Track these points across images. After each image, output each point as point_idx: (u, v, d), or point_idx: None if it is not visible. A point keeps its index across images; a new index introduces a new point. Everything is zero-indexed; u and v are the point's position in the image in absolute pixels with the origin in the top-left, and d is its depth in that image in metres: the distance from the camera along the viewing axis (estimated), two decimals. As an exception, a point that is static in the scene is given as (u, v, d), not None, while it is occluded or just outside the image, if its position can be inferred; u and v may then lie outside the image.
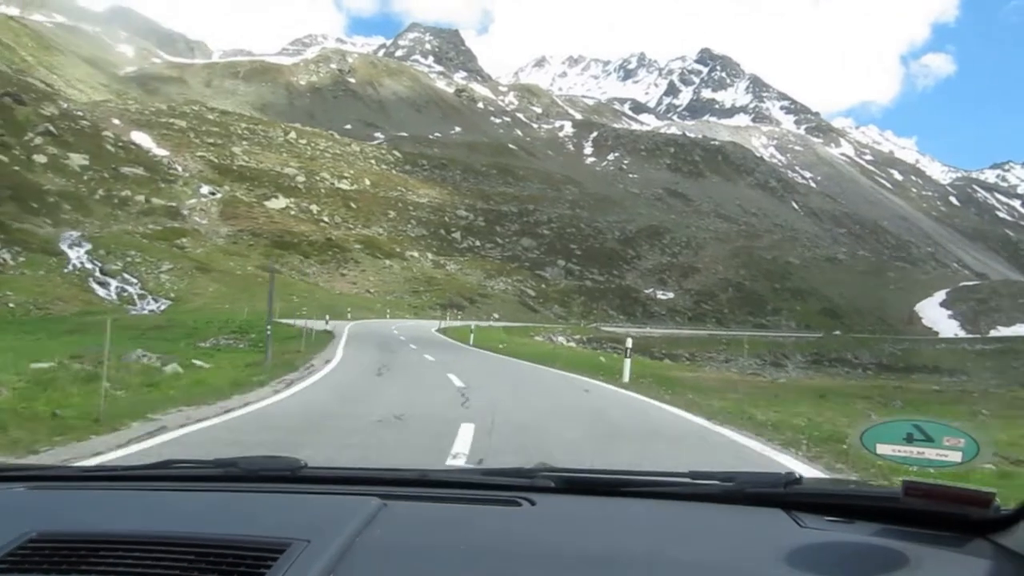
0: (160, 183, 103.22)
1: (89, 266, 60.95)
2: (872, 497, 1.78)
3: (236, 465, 2.08)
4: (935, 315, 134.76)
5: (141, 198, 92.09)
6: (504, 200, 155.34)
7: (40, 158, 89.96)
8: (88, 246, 65.16)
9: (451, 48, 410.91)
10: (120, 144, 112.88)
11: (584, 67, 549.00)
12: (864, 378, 62.64)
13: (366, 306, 71.14)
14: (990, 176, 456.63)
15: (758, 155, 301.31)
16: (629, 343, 19.45)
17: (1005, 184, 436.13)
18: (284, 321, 31.58)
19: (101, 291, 56.07)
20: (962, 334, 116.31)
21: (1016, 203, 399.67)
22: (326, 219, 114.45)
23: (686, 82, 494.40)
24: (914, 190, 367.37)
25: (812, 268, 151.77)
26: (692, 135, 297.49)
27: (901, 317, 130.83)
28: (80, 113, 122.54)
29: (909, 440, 2.18)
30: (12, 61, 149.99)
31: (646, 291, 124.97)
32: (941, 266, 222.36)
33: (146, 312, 49.37)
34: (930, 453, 2.14)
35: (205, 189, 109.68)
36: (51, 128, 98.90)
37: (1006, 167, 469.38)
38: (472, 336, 37.30)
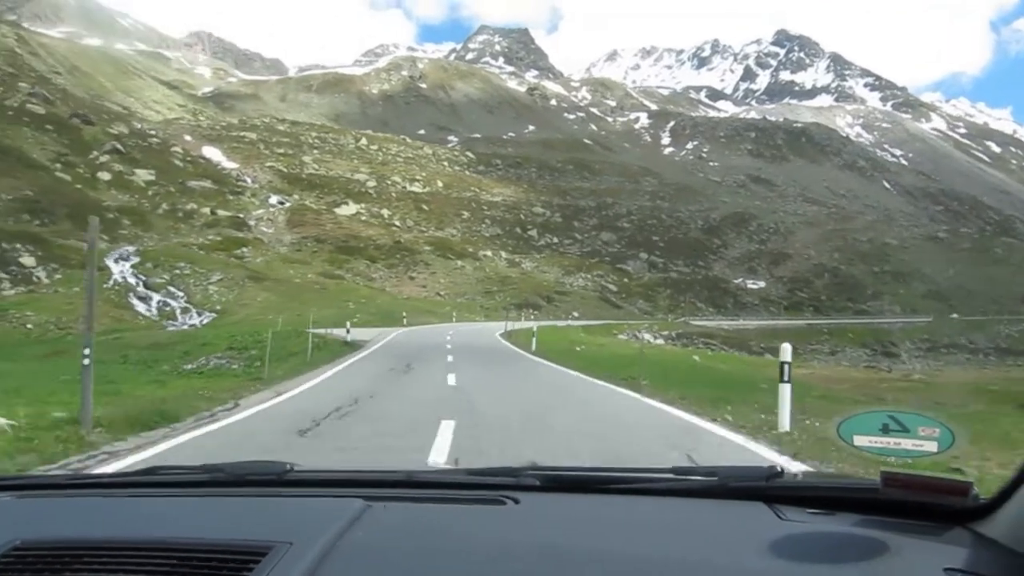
0: (228, 195, 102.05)
1: (132, 280, 57.90)
2: (852, 489, 1.79)
3: (222, 470, 2.07)
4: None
5: (207, 211, 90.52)
6: (581, 195, 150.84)
7: (104, 175, 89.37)
8: (135, 260, 62.53)
9: (521, 48, 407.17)
10: (189, 159, 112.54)
11: (657, 58, 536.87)
12: (994, 365, 56.26)
13: (431, 310, 66.95)
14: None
15: (844, 135, 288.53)
16: (787, 353, 10.16)
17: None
18: (318, 331, 27.37)
19: (141, 307, 52.61)
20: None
21: None
22: (397, 223, 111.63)
23: (763, 65, 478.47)
24: (1014, 162, 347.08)
25: (912, 249, 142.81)
26: (773, 119, 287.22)
27: (1015, 296, 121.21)
28: (153, 132, 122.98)
29: (885, 431, 2.17)
30: (90, 87, 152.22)
31: (735, 281, 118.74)
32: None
33: (186, 327, 45.94)
34: (906, 443, 2.12)
35: (274, 199, 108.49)
36: (118, 146, 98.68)
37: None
38: (534, 341, 30.49)
